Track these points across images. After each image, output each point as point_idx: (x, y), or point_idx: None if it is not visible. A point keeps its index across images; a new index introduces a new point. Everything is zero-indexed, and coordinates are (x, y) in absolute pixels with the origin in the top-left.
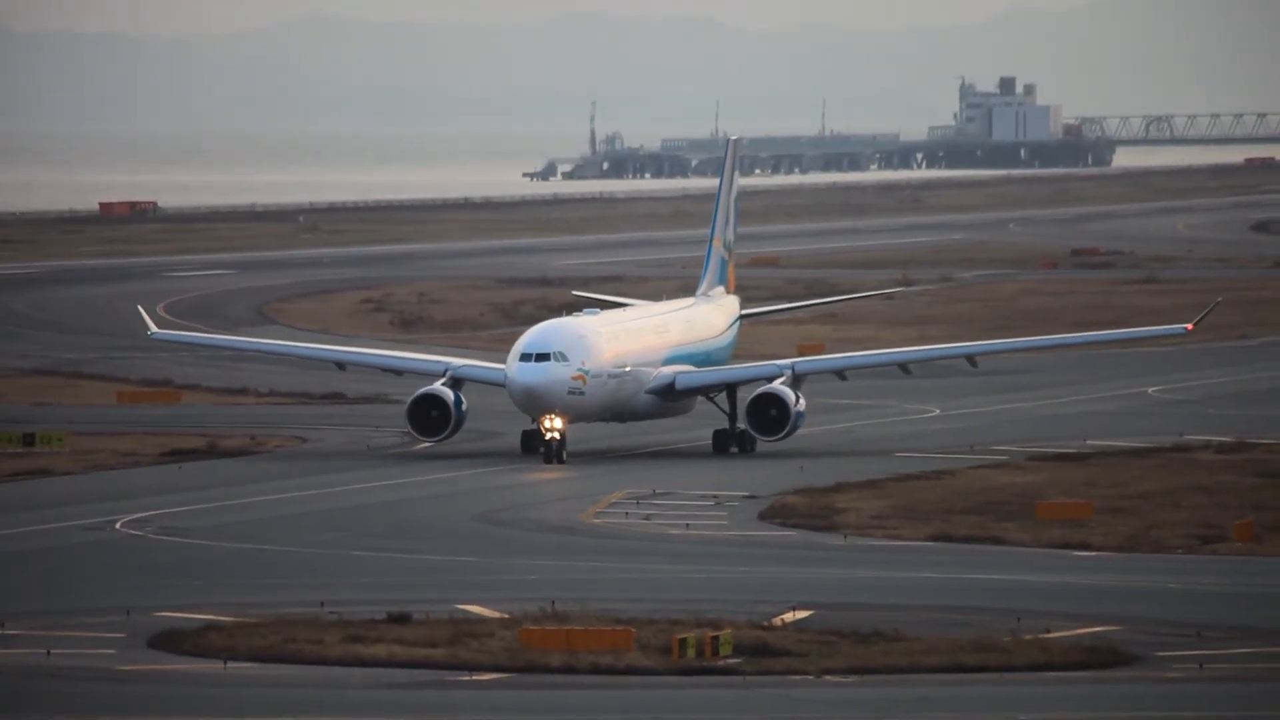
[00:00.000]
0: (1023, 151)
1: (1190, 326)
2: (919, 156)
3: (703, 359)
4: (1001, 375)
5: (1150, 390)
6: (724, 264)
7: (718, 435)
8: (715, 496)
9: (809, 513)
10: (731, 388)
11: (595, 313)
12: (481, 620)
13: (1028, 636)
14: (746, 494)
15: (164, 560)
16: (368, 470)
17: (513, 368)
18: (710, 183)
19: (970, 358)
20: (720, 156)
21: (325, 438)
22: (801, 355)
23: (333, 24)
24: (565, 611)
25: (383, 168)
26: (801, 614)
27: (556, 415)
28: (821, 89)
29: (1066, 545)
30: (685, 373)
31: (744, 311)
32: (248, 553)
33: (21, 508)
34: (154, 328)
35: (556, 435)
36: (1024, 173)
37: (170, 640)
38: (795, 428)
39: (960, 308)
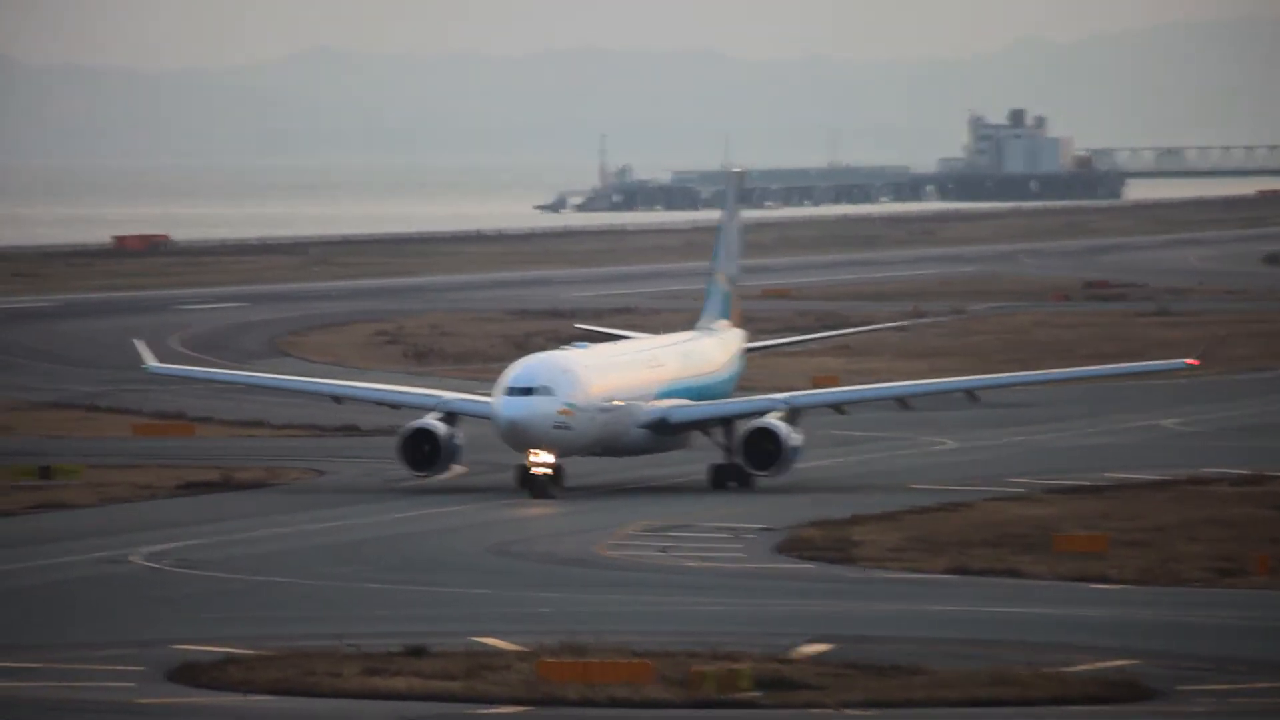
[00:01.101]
0: (1033, 184)
1: (1194, 360)
2: (929, 188)
3: (700, 393)
4: (1017, 408)
5: (1166, 423)
6: (727, 297)
7: (715, 470)
8: (731, 529)
9: (826, 545)
10: (728, 422)
11: (585, 346)
12: (499, 653)
13: (1046, 670)
14: (763, 526)
15: (181, 593)
16: (383, 503)
17: (498, 402)
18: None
19: (970, 392)
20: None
21: (341, 470)
22: (815, 387)
23: (341, 57)
24: (583, 644)
25: (393, 200)
26: (820, 647)
27: (543, 450)
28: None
29: (1084, 578)
30: (679, 407)
31: (748, 345)
32: (265, 585)
33: (38, 541)
34: (151, 361)
35: (546, 470)
36: (1035, 205)
37: (189, 673)
38: (790, 463)
39: (973, 340)
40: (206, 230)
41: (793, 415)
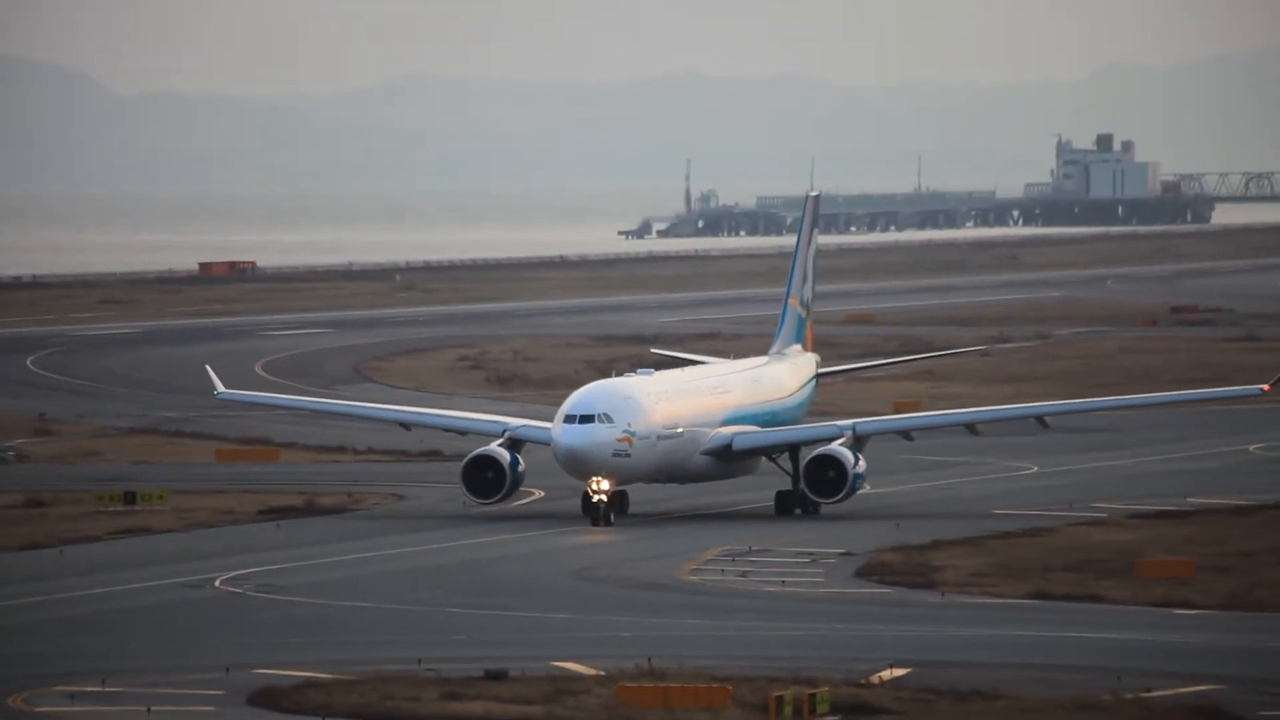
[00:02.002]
0: (1120, 208)
1: (1267, 387)
2: (1015, 214)
3: (768, 419)
4: (1101, 433)
5: (1252, 448)
6: (801, 322)
7: (780, 496)
8: (811, 554)
9: (906, 570)
10: (794, 448)
11: (649, 373)
12: (578, 677)
13: (1129, 695)
14: (843, 551)
15: (263, 618)
16: (463, 528)
17: (557, 429)
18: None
19: (1040, 418)
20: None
21: (422, 495)
22: (898, 412)
23: (429, 84)
24: (662, 668)
25: (479, 226)
26: (899, 672)
27: (603, 477)
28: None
29: (1168, 603)
30: (743, 433)
31: (821, 370)
32: (345, 610)
33: (123, 566)
34: (221, 387)
35: (604, 498)
36: (1122, 230)
37: (269, 697)
38: (854, 490)
39: (1057, 365)
40: (293, 256)
41: (857, 441)
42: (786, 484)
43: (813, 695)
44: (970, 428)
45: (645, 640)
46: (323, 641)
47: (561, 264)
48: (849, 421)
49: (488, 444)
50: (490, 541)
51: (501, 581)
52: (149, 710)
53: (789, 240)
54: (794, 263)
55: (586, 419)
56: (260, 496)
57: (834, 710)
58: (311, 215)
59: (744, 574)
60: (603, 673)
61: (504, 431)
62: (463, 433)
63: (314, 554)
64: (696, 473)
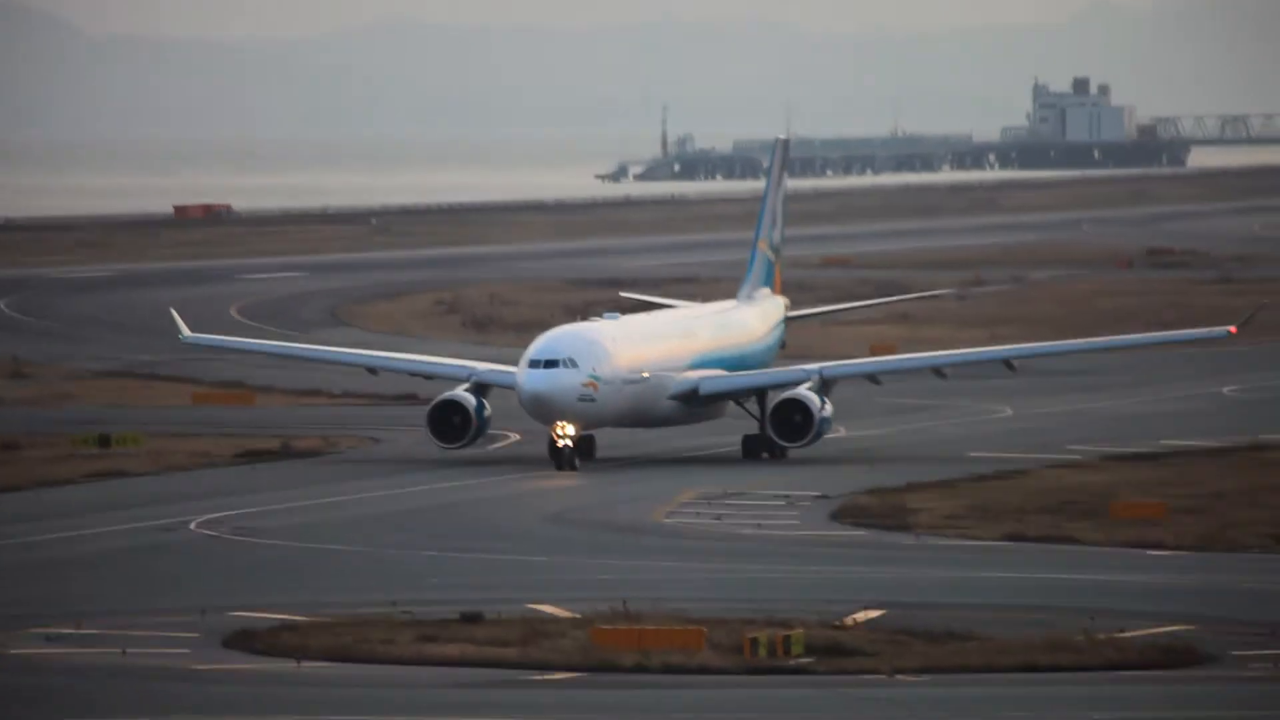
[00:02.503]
0: (1096, 152)
1: (1234, 329)
2: (991, 157)
3: (736, 363)
4: (1075, 375)
5: (1226, 390)
6: (770, 266)
7: (747, 440)
8: (786, 496)
9: (881, 512)
10: (761, 392)
11: (616, 317)
12: (553, 620)
13: (1102, 636)
14: (818, 494)
15: (238, 561)
16: (439, 471)
17: (521, 375)
18: (784, 184)
19: (1008, 362)
20: (793, 158)
21: (398, 439)
22: (873, 356)
23: (405, 28)
24: (637, 611)
25: (454, 170)
26: (874, 614)
27: (568, 423)
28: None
29: (1141, 545)
30: (710, 378)
31: (790, 314)
32: (320, 553)
33: (98, 508)
34: (186, 330)
35: (569, 443)
36: (1098, 173)
37: (244, 640)
38: (821, 434)
39: (1033, 308)
40: (269, 200)
41: (824, 385)
42: (754, 428)
43: (787, 637)
44: (938, 371)
45: (621, 583)
46: (298, 584)
47: (538, 208)
48: (816, 366)
49: (454, 389)
50: (466, 485)
51: (477, 525)
52: (124, 652)
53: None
54: (763, 206)
55: (551, 364)
56: (236, 440)
57: (809, 652)
58: (287, 159)
59: (719, 517)
60: (578, 615)
61: (470, 376)
62: (429, 377)
63: (290, 497)
64: (663, 417)
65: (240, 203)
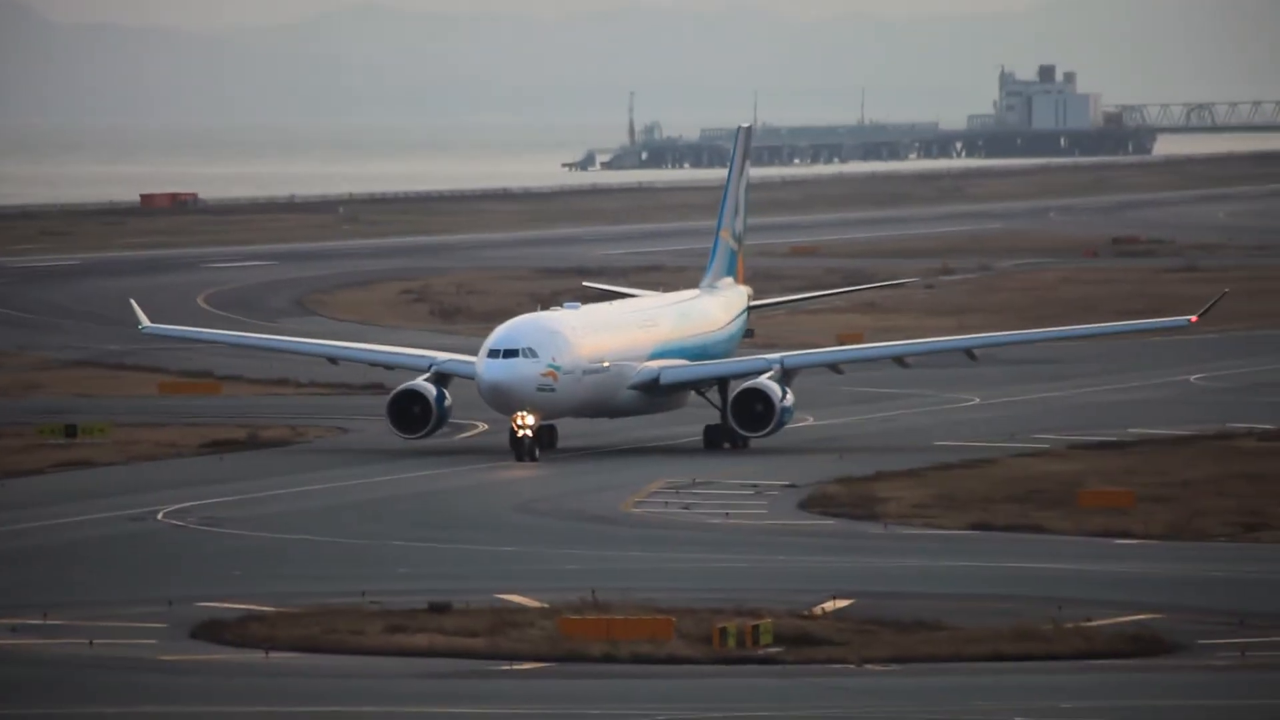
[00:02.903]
0: (1063, 140)
1: (1195, 318)
2: (958, 145)
3: (698, 352)
4: (1042, 364)
5: (1193, 378)
6: (732, 255)
7: (709, 430)
8: (755, 486)
9: (849, 502)
10: (722, 382)
11: (576, 306)
12: (522, 610)
13: (1069, 625)
14: (787, 483)
15: (205, 551)
16: (407, 461)
17: (480, 364)
18: (751, 172)
19: (969, 351)
20: (760, 146)
21: (365, 429)
22: (841, 345)
23: (369, 16)
24: (605, 601)
25: (421, 159)
26: (842, 603)
27: (527, 412)
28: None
29: (1108, 533)
30: (671, 367)
31: (753, 303)
32: (288, 543)
33: (64, 499)
34: (145, 321)
35: (528, 433)
36: (1064, 161)
37: (212, 630)
38: (782, 424)
39: (1000, 297)
40: (235, 188)
41: (785, 375)
42: (716, 418)
43: (756, 626)
44: (899, 360)
45: (589, 573)
46: (266, 575)
47: (505, 196)
48: (777, 355)
49: (414, 378)
50: (434, 474)
51: (445, 514)
52: (91, 643)
53: None
54: (725, 195)
55: (510, 353)
56: (203, 430)
57: (777, 641)
58: (253, 148)
59: (688, 506)
60: (546, 605)
61: (430, 366)
62: (390, 367)
63: (257, 487)
64: (624, 407)
65: (207, 191)
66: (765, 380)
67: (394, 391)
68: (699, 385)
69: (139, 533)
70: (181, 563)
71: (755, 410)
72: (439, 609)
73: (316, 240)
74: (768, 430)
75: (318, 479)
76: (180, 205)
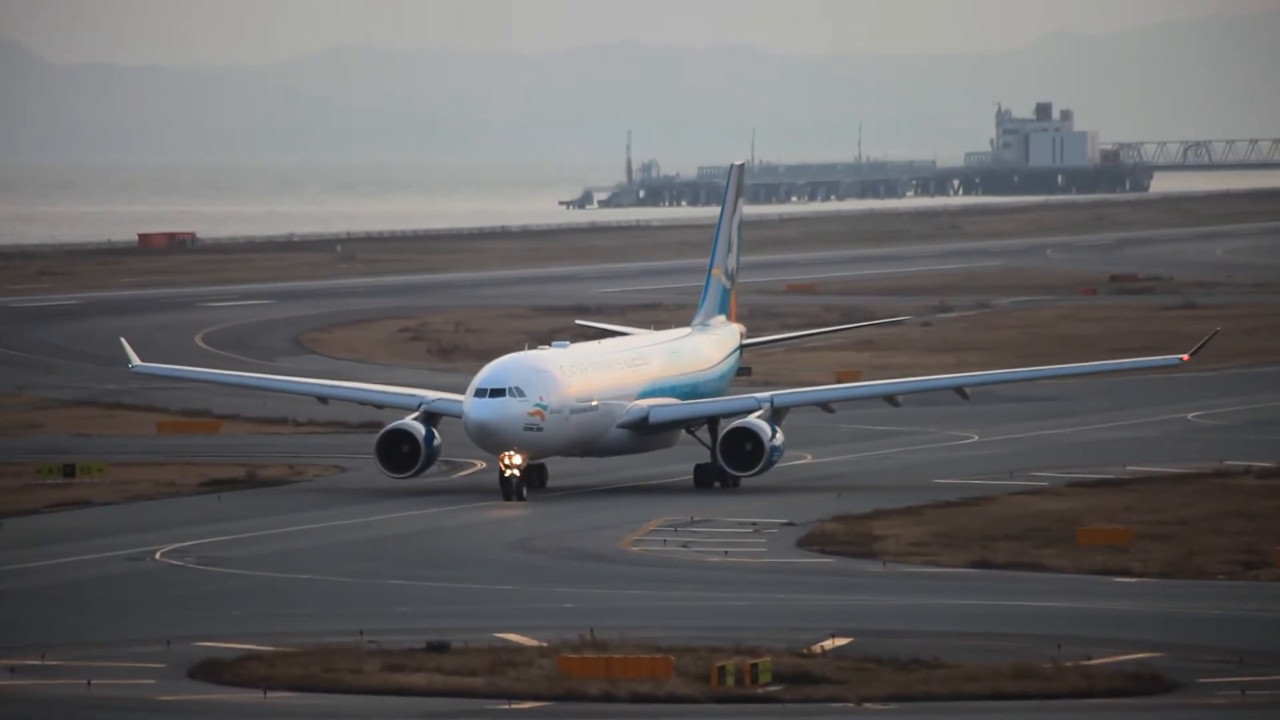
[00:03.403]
0: (1060, 177)
1: (1186, 357)
2: (955, 183)
3: (689, 391)
4: (1040, 401)
5: (1190, 416)
6: (725, 293)
7: (699, 469)
8: (753, 524)
9: (847, 539)
10: (712, 420)
11: (565, 344)
12: (520, 649)
13: (1069, 663)
14: (784, 521)
15: (204, 590)
16: (404, 499)
17: (468, 404)
18: (748, 210)
19: (960, 390)
20: (758, 184)
21: (363, 467)
22: (839, 382)
23: (366, 55)
24: (604, 640)
25: (419, 197)
26: (841, 641)
27: (515, 452)
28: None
29: (1107, 571)
30: (660, 406)
31: (746, 341)
32: (287, 582)
33: (62, 539)
34: (136, 360)
35: (516, 473)
36: (1061, 198)
37: (210, 670)
38: (771, 462)
39: (998, 334)
40: (233, 227)
41: (775, 414)
42: (706, 457)
43: (755, 665)
44: (890, 399)
45: (588, 611)
46: (264, 614)
47: (503, 234)
48: (767, 394)
49: (403, 417)
50: (432, 513)
51: (444, 553)
52: (89, 684)
53: None
54: (718, 233)
55: (497, 393)
56: (201, 468)
57: (776, 680)
58: (250, 186)
59: (686, 544)
60: (545, 644)
61: (420, 405)
62: (379, 406)
63: (255, 526)
64: (613, 446)
65: (204, 230)
66: (754, 419)
67: (382, 431)
68: (689, 424)
69: (137, 572)
70: (180, 602)
71: (745, 449)
72: (438, 648)
73: (314, 279)
74: (757, 469)
75: (316, 518)
76: (178, 244)
